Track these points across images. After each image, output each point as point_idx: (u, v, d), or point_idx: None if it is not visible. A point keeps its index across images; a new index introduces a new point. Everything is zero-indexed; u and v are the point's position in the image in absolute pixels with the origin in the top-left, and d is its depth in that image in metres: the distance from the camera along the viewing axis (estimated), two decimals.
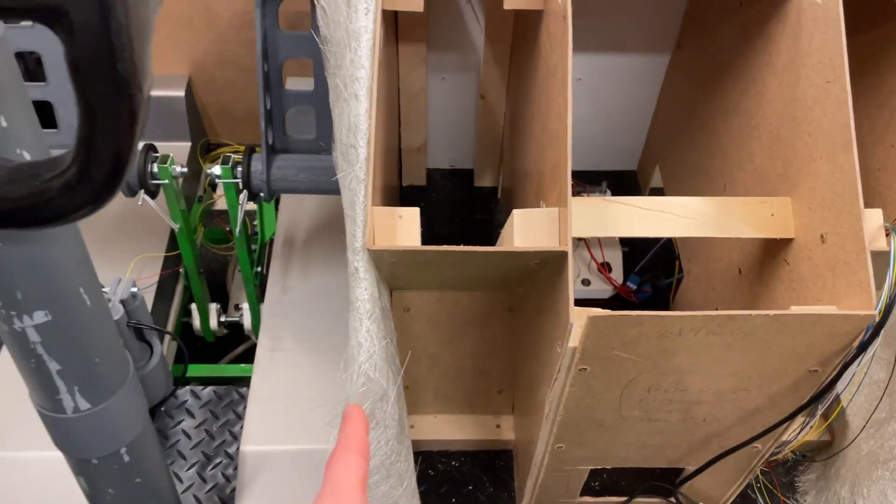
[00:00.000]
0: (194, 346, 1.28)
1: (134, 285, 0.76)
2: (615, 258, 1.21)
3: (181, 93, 1.23)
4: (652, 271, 1.21)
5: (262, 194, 1.02)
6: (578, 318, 0.64)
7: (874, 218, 0.68)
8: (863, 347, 0.64)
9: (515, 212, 0.68)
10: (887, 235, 0.68)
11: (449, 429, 1.03)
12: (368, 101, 0.65)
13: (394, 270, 0.75)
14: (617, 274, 1.20)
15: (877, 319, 0.63)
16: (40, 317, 0.56)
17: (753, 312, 0.62)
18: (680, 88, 1.17)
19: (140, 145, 1.03)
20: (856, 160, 0.66)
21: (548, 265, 0.71)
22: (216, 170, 1.02)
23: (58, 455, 0.93)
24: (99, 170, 0.34)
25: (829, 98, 0.70)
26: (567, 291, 0.64)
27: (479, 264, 0.72)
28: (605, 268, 1.19)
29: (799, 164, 0.75)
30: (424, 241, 0.66)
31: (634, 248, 1.21)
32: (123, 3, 0.30)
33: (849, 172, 0.67)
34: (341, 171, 0.70)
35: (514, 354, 0.97)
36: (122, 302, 0.74)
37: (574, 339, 0.65)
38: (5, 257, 0.52)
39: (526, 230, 0.68)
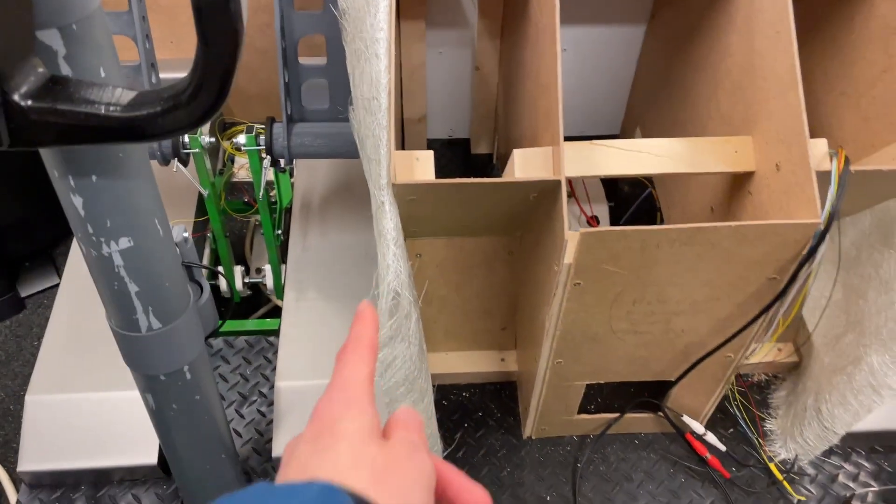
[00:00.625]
0: (219, 308, 1.39)
1: (185, 231, 0.87)
2: (602, 212, 1.33)
3: None
4: (636, 222, 1.32)
5: (283, 160, 1.14)
6: (572, 238, 0.76)
7: (819, 146, 0.80)
8: (812, 252, 0.76)
9: (516, 151, 0.80)
10: (831, 159, 0.80)
11: (459, 364, 1.15)
12: (387, 59, 0.76)
13: (410, 211, 0.86)
14: (604, 226, 1.32)
15: (821, 227, 0.75)
16: (124, 243, 0.67)
17: (718, 224, 0.74)
18: (656, 54, 1.29)
19: None
20: (801, 96, 0.78)
21: (545, 199, 0.82)
22: (241, 139, 1.13)
23: (110, 395, 1.05)
24: (212, 85, 0.45)
25: (779, 45, 0.82)
26: (562, 216, 0.76)
27: (486, 197, 0.84)
28: (594, 220, 1.31)
29: (757, 107, 0.87)
30: None
31: (619, 203, 1.33)
32: None
33: (796, 108, 0.79)
34: (364, 123, 0.81)
35: (515, 293, 1.08)
36: (176, 245, 0.85)
37: (569, 256, 0.77)
38: (100, 189, 0.63)
39: (525, 165, 0.79)
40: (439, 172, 1.51)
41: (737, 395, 1.12)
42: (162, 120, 0.46)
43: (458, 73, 1.35)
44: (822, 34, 1.05)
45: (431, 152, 0.79)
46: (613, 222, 1.33)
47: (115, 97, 0.47)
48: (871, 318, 0.93)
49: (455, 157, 1.49)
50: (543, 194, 0.81)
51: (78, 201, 0.63)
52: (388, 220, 0.78)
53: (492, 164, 1.46)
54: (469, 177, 1.46)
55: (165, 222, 0.71)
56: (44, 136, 0.48)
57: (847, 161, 0.77)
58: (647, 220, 1.31)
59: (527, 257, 0.99)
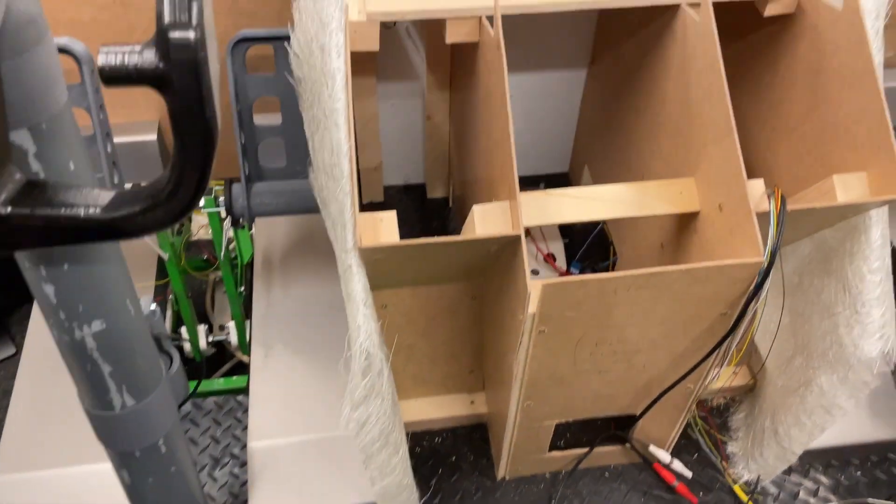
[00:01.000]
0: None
1: (152, 302, 0.87)
2: (558, 249, 1.37)
3: (153, 137, 1.35)
4: (590, 258, 1.37)
5: (243, 219, 1.15)
6: (535, 288, 0.79)
7: (757, 187, 0.85)
8: (758, 288, 0.81)
9: (475, 207, 0.83)
10: (769, 199, 0.85)
11: (429, 409, 1.17)
12: (346, 127, 0.79)
13: (376, 268, 0.88)
14: (560, 262, 1.36)
15: (765, 265, 0.80)
16: (97, 325, 0.68)
17: (669, 268, 0.78)
18: (597, 96, 1.35)
19: (128, 187, 1.15)
20: (737, 142, 0.83)
21: (505, 249, 0.85)
22: (200, 200, 1.14)
23: (81, 469, 1.03)
24: (189, 185, 0.47)
25: (713, 95, 0.87)
26: (523, 268, 0.79)
27: (449, 254, 0.87)
28: (550, 258, 1.36)
29: (697, 150, 0.93)
30: None
31: (573, 239, 1.38)
32: (207, 70, 0.44)
33: (733, 153, 0.84)
34: (326, 188, 0.84)
35: (480, 337, 1.11)
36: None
37: (532, 306, 0.80)
38: (72, 276, 0.64)
39: (484, 221, 0.83)
40: (397, 216, 1.54)
41: (698, 420, 1.17)
42: (141, 219, 0.48)
43: (410, 122, 1.38)
44: (750, 74, 1.11)
45: (394, 213, 0.82)
46: (569, 258, 1.37)
47: (93, 198, 0.49)
48: (817, 342, 0.98)
49: (412, 201, 1.52)
50: (503, 247, 0.84)
51: (50, 289, 0.64)
52: (356, 283, 0.80)
53: (448, 208, 1.50)
54: (427, 221, 1.51)
55: (136, 301, 0.72)
56: (23, 240, 0.49)
57: (783, 201, 0.83)
58: (600, 254, 1.36)
59: (490, 302, 1.02)
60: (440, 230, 1.48)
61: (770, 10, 0.98)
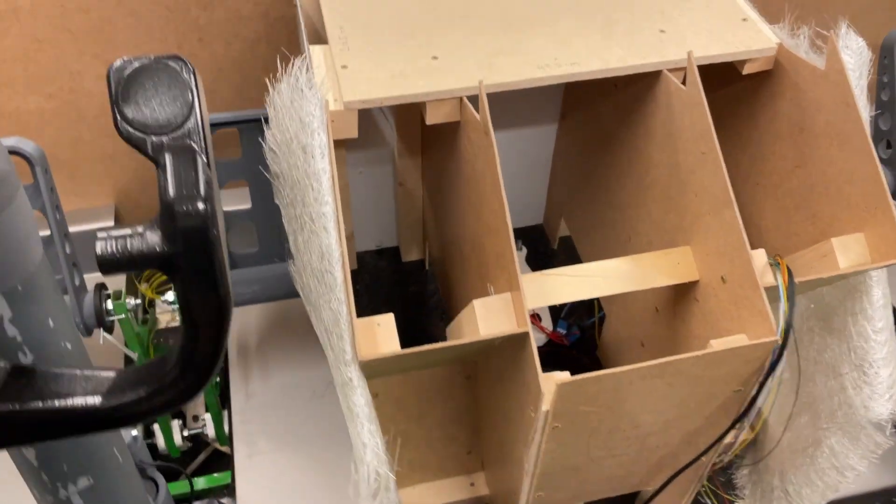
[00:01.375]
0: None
1: (133, 428, 0.80)
2: (542, 308, 1.34)
3: (111, 223, 1.27)
4: (575, 314, 1.35)
5: None
6: (547, 385, 0.75)
7: (760, 257, 0.83)
8: (773, 366, 0.79)
9: (475, 302, 0.79)
10: (773, 269, 0.83)
11: (428, 496, 1.11)
12: (337, 232, 0.74)
13: (371, 369, 0.83)
14: (546, 322, 1.33)
15: (779, 342, 0.77)
16: (83, 482, 0.61)
17: (685, 356, 0.75)
18: (570, 152, 1.33)
19: (92, 286, 1.07)
20: (737, 214, 0.81)
21: (510, 345, 0.81)
22: (169, 296, 1.07)
23: None
24: (199, 367, 0.42)
25: (707, 165, 0.85)
26: (534, 365, 0.75)
27: (452, 353, 0.82)
28: (536, 319, 1.32)
29: (691, 219, 0.90)
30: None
31: None
32: (220, 247, 0.39)
33: (734, 225, 0.82)
34: (316, 292, 0.78)
35: (477, 416, 1.07)
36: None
37: (546, 404, 0.76)
38: None
39: (487, 317, 0.79)
40: (374, 283, 1.48)
41: (704, 482, 1.14)
42: (146, 405, 0.43)
43: (380, 188, 1.34)
44: (729, 126, 1.10)
45: (391, 315, 0.77)
46: (554, 317, 1.34)
47: (90, 385, 0.43)
48: (823, 402, 0.96)
49: (387, 265, 1.47)
50: (509, 342, 0.80)
51: (30, 453, 0.57)
52: (358, 396, 0.75)
53: (424, 271, 1.46)
54: (403, 285, 1.46)
55: (124, 447, 0.65)
56: (11, 438, 0.43)
57: (790, 273, 0.81)
58: (585, 311, 1.33)
59: (488, 384, 0.98)
60: (418, 294, 1.43)
61: (748, 69, 0.97)
